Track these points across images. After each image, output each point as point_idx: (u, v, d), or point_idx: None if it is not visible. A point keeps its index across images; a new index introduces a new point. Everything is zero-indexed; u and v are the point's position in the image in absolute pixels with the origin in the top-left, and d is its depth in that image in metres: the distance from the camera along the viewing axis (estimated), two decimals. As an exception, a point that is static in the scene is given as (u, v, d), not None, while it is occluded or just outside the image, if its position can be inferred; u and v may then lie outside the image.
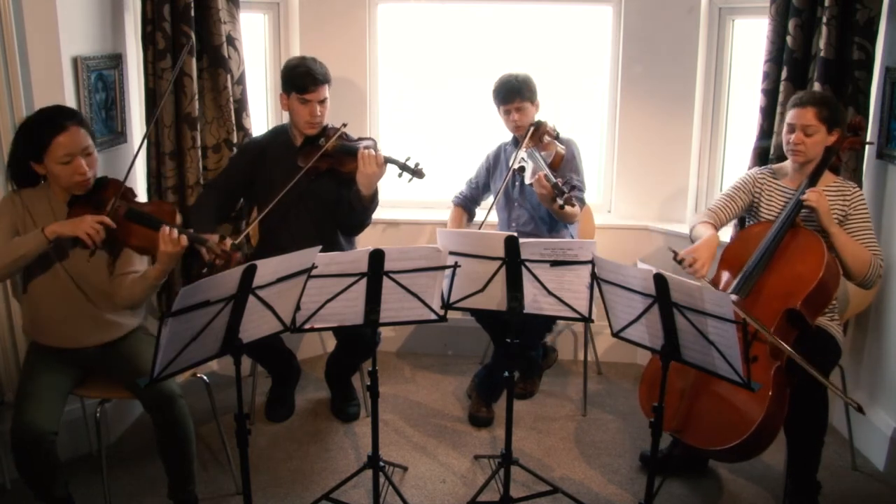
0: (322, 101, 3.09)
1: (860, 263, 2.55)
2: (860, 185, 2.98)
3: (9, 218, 2.43)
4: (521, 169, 3.17)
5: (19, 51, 2.60)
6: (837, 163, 2.78)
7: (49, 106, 2.46)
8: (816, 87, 2.91)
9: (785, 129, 2.71)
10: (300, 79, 3.05)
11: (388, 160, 3.02)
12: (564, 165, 3.20)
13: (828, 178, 2.71)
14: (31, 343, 2.60)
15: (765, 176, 2.85)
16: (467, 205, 3.63)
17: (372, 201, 3.08)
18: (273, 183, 3.04)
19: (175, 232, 2.40)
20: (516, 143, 3.34)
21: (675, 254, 2.63)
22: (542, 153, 3.14)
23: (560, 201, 2.84)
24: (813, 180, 2.65)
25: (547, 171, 2.99)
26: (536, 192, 3.02)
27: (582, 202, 3.31)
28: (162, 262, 2.44)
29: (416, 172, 3.04)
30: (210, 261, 2.52)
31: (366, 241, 3.64)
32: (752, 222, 2.87)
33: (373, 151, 2.97)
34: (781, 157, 2.90)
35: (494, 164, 3.51)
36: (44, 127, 2.37)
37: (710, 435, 2.42)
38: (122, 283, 2.52)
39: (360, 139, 3.16)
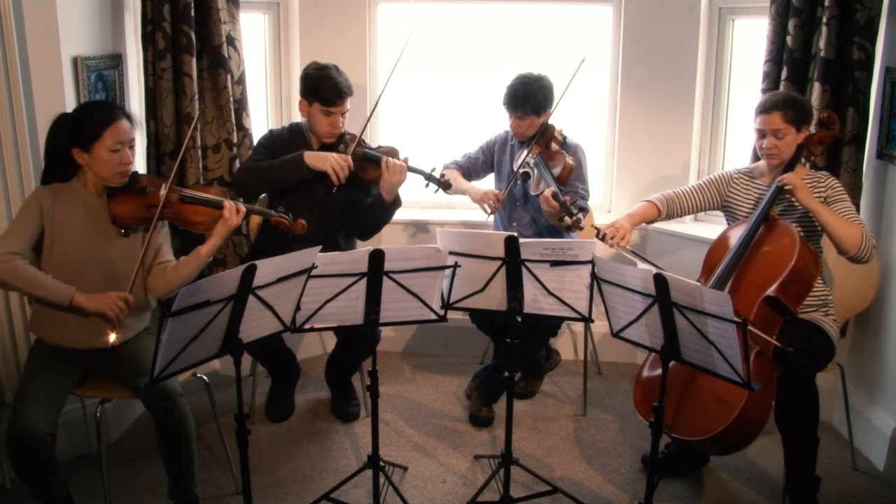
0: (344, 113, 3.10)
1: (851, 236, 2.53)
2: (860, 185, 2.99)
3: (31, 218, 2.42)
4: (527, 175, 3.15)
5: (19, 51, 2.60)
6: (809, 156, 2.81)
7: (97, 100, 2.67)
8: (816, 87, 2.91)
9: (755, 135, 2.75)
10: (327, 91, 3.02)
11: (412, 170, 3.06)
12: (571, 176, 3.15)
13: (800, 171, 2.74)
14: (35, 341, 2.58)
15: (741, 176, 2.88)
16: (463, 172, 3.50)
17: (394, 204, 3.11)
18: None
19: (239, 204, 2.58)
20: (522, 141, 3.30)
21: (598, 230, 2.74)
22: (550, 163, 3.10)
23: (568, 221, 2.78)
24: (787, 171, 2.69)
25: (555, 187, 2.93)
26: (543, 208, 2.97)
27: (585, 212, 3.23)
28: (218, 235, 2.53)
29: (444, 184, 3.11)
30: (277, 225, 2.75)
31: (367, 241, 3.64)
32: (730, 222, 2.88)
33: (398, 161, 3.01)
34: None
35: (499, 154, 3.43)
36: (100, 114, 2.44)
37: (696, 426, 2.43)
38: (164, 271, 2.55)
39: (380, 147, 3.16)
